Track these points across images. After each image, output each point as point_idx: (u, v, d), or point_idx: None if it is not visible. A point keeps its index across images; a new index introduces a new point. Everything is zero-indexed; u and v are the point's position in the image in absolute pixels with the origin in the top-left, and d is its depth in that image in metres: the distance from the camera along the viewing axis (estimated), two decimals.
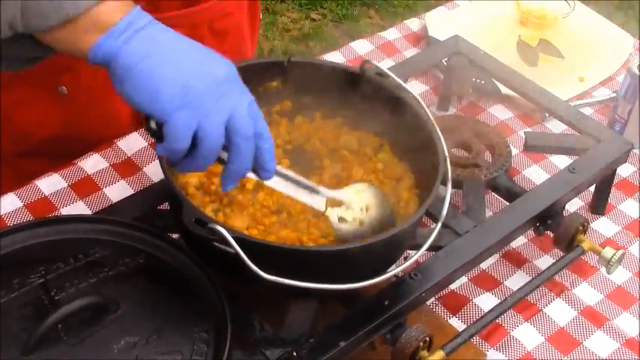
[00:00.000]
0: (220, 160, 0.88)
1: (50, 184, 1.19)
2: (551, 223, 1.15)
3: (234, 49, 1.33)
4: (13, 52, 0.87)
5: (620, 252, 1.13)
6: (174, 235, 1.01)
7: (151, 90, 0.82)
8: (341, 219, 1.00)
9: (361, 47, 1.52)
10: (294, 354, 0.91)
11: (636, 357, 1.09)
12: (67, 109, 1.24)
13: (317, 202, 0.99)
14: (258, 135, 0.87)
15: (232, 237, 0.87)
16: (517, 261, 1.19)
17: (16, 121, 1.23)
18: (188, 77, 0.83)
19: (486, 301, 1.11)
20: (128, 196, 1.10)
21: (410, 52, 1.52)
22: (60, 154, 1.24)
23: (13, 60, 0.89)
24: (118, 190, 1.19)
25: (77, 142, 1.25)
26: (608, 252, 1.12)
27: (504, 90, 1.39)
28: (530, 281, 1.11)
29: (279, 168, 0.94)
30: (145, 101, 0.83)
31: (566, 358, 1.08)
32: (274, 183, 0.94)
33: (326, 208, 0.99)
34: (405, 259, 0.99)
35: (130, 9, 0.84)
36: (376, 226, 1.01)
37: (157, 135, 0.84)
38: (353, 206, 1.01)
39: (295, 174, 0.97)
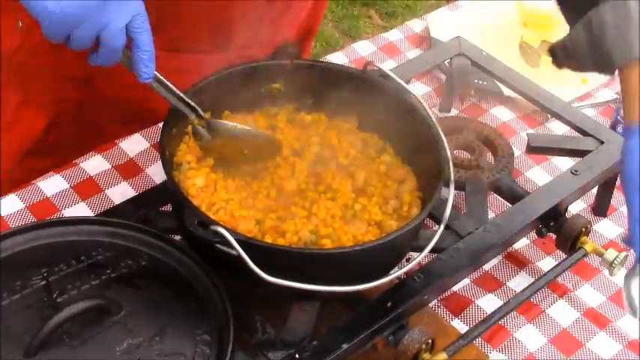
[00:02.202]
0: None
1: (52, 185, 1.19)
2: (553, 224, 1.15)
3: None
4: None
5: (623, 254, 1.12)
6: (177, 237, 1.00)
7: (35, 4, 0.88)
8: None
9: (363, 48, 1.52)
10: (297, 356, 0.91)
11: (639, 359, 1.08)
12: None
13: (192, 116, 1.03)
14: (136, 46, 0.93)
15: (235, 239, 0.87)
16: (520, 262, 1.18)
17: None
18: None
19: (489, 303, 1.11)
20: (130, 198, 1.10)
21: (412, 54, 1.52)
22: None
23: None
24: (120, 192, 1.19)
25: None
26: (610, 254, 1.12)
27: (506, 91, 1.39)
28: (532, 283, 1.11)
29: (160, 77, 0.98)
30: (29, 6, 0.88)
31: (568, 359, 1.08)
32: (156, 87, 0.99)
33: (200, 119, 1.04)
34: (408, 260, 0.99)
35: None
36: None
37: None
38: None
39: (175, 89, 1.01)
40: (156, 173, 1.22)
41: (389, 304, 0.97)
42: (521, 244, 1.19)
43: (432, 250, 1.01)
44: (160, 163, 0.98)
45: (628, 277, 0.96)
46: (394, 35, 1.56)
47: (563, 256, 1.15)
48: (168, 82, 1.00)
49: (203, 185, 1.02)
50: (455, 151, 1.24)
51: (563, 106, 1.31)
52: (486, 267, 1.16)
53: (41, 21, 0.89)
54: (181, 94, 1.02)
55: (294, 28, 1.33)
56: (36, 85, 1.24)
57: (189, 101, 1.02)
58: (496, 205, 1.22)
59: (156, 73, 0.96)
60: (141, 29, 0.92)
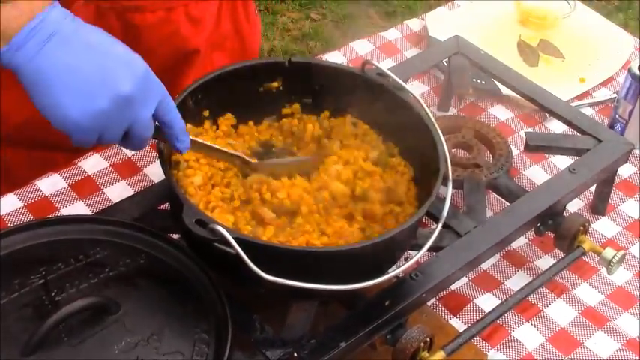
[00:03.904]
0: None
1: (50, 184, 1.19)
2: (551, 223, 1.15)
3: (215, 41, 1.32)
4: None
5: (621, 252, 1.13)
6: (175, 236, 1.00)
7: (56, 113, 0.85)
8: None
9: (362, 47, 1.52)
10: (295, 354, 0.91)
11: (637, 357, 1.09)
12: None
13: (237, 161, 1.04)
14: (166, 126, 0.93)
15: (233, 237, 0.87)
16: (518, 261, 1.18)
17: None
18: (93, 99, 0.85)
19: (487, 302, 1.12)
20: (128, 197, 1.10)
21: (410, 53, 1.52)
22: (36, 143, 1.24)
23: None
24: (118, 191, 1.19)
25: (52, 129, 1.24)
26: (608, 252, 1.12)
27: (505, 90, 1.39)
28: (530, 282, 1.11)
29: (196, 140, 0.99)
30: (52, 121, 0.86)
31: (566, 358, 1.08)
32: (196, 150, 1.00)
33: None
34: (406, 259, 0.99)
35: (37, 11, 0.83)
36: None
37: None
38: None
39: (215, 145, 1.03)
40: (154, 172, 1.22)
41: (387, 303, 0.97)
42: (520, 242, 1.20)
43: (431, 249, 1.01)
44: (158, 162, 0.98)
45: None
46: (392, 34, 1.56)
47: (562, 254, 1.15)
48: (205, 142, 1.01)
49: (201, 184, 1.02)
50: (453, 150, 1.25)
51: (561, 105, 1.31)
52: (484, 266, 1.16)
53: (70, 133, 0.87)
54: (224, 149, 1.03)
55: None
56: None
57: (234, 152, 1.03)
58: (494, 204, 1.22)
59: (191, 138, 0.96)
60: (167, 110, 0.92)
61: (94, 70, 0.85)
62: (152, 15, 1.23)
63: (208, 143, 1.02)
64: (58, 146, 1.23)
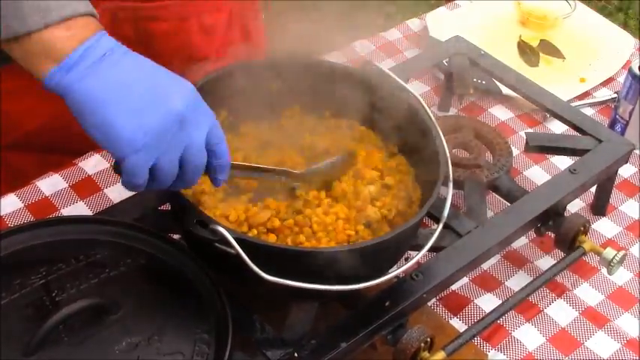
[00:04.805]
0: None
1: (51, 184, 1.19)
2: (552, 223, 1.15)
3: (223, 48, 1.33)
4: None
5: (622, 253, 1.13)
6: (175, 236, 1.00)
7: (107, 132, 0.82)
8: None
9: (362, 47, 1.52)
10: (296, 355, 0.91)
11: (637, 358, 1.09)
12: (55, 98, 1.22)
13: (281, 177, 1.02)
14: (215, 155, 0.89)
15: (233, 238, 0.87)
16: (518, 262, 1.18)
17: (5, 111, 1.21)
18: (145, 116, 0.82)
19: (487, 302, 1.12)
20: (129, 197, 1.10)
21: (411, 53, 1.52)
22: (49, 148, 1.24)
23: None
24: (118, 191, 1.19)
25: (65, 135, 1.24)
26: (609, 253, 1.12)
27: (505, 90, 1.39)
28: (531, 282, 1.11)
29: (236, 164, 0.96)
30: (102, 140, 0.82)
31: (567, 358, 1.08)
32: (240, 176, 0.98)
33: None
34: (407, 259, 0.99)
35: (88, 34, 0.82)
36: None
37: (119, 169, 0.85)
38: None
39: (254, 164, 1.00)
40: None
41: (387, 303, 0.97)
42: (520, 243, 1.20)
43: (431, 249, 1.01)
44: None
45: None
46: (393, 34, 1.56)
47: (562, 255, 1.15)
48: (248, 164, 0.99)
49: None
50: (454, 150, 1.25)
51: (561, 105, 1.31)
52: (485, 266, 1.16)
53: (123, 154, 0.82)
54: (261, 166, 1.00)
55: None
56: None
57: (271, 167, 1.01)
58: (495, 204, 1.22)
59: (232, 162, 0.93)
60: (218, 138, 0.89)
61: (145, 87, 0.83)
62: (166, 24, 1.22)
63: (251, 164, 0.99)
64: (68, 150, 1.24)
